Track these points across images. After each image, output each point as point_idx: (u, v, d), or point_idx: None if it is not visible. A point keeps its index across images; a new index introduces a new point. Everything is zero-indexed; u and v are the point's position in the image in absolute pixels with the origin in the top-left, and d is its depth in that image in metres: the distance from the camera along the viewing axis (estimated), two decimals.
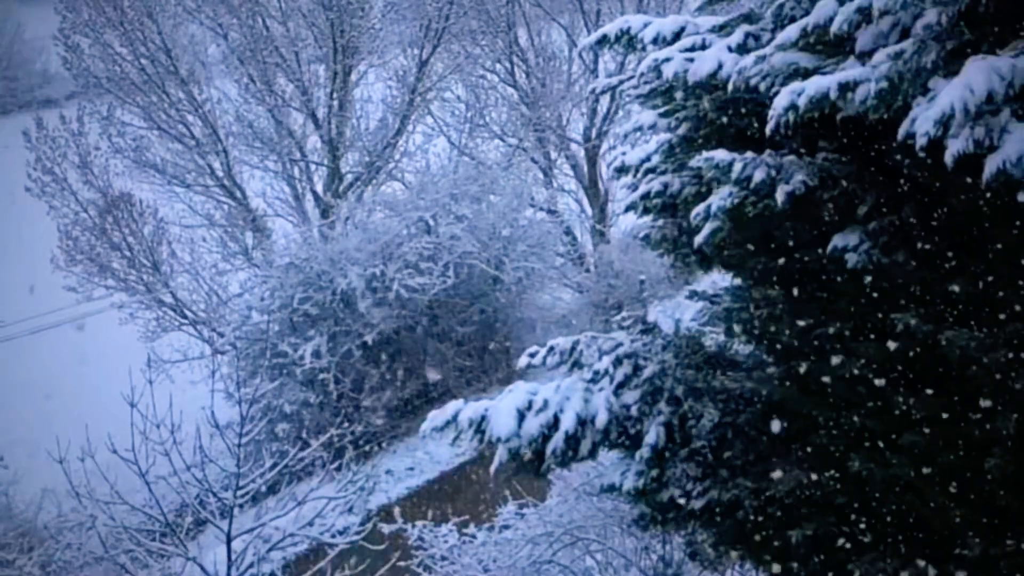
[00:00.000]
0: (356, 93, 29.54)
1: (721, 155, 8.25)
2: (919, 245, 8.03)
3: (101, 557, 13.29)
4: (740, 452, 9.63)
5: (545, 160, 31.73)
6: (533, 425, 9.84)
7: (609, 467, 10.60)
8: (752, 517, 9.53)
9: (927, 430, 8.34)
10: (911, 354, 8.22)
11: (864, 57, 7.54)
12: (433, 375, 25.85)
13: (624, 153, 10.36)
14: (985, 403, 7.98)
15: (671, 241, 10.14)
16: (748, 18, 9.33)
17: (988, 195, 7.05)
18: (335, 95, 28.63)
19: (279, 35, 28.10)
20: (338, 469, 14.57)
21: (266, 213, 29.38)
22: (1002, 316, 7.76)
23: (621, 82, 10.84)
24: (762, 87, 8.09)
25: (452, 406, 10.14)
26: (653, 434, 9.70)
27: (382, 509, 18.98)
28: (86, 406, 20.02)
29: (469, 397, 10.83)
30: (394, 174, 30.19)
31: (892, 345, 8.24)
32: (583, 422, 9.84)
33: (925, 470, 8.45)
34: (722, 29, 9.34)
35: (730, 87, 8.36)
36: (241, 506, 13.11)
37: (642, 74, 9.36)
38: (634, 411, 9.85)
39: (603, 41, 9.96)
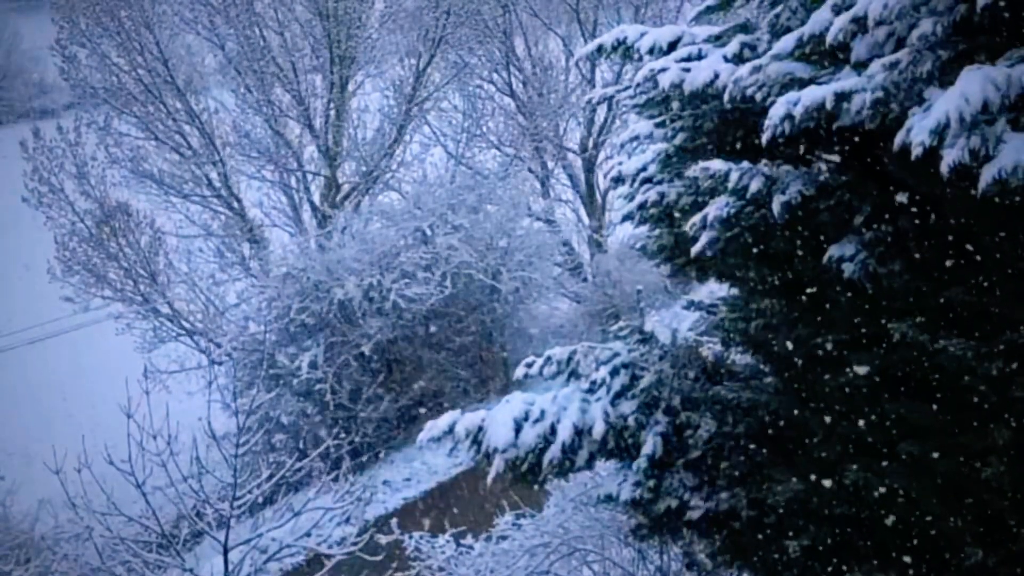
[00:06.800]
0: (353, 103, 29.56)
1: (717, 165, 8.26)
2: (915, 255, 8.03)
3: (98, 568, 13.24)
4: (737, 462, 9.63)
5: (542, 170, 31.75)
6: (530, 435, 9.84)
7: (606, 477, 10.59)
8: (749, 527, 9.52)
9: (924, 439, 8.34)
10: (908, 363, 8.22)
11: (860, 67, 7.55)
12: (430, 385, 25.81)
13: (621, 163, 10.38)
14: (981, 412, 7.99)
15: (668, 251, 10.16)
16: (744, 28, 9.35)
17: (984, 205, 7.04)
18: (332, 105, 28.64)
19: (276, 45, 28.11)
20: (335, 479, 14.55)
21: (263, 223, 29.34)
22: (998, 325, 7.76)
23: (618, 92, 10.87)
24: (758, 97, 8.10)
25: (449, 416, 10.14)
26: (650, 444, 9.70)
27: (379, 519, 18.92)
28: (83, 417, 19.99)
29: (466, 407, 10.84)
30: (391, 184, 30.19)
31: (888, 354, 8.24)
32: (580, 432, 9.85)
33: (922, 479, 8.45)
34: (718, 39, 9.36)
35: (726, 97, 8.36)
36: (238, 517, 13.09)
37: (638, 84, 9.38)
38: (631, 421, 9.85)
39: (600, 51, 9.99)
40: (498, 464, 9.83)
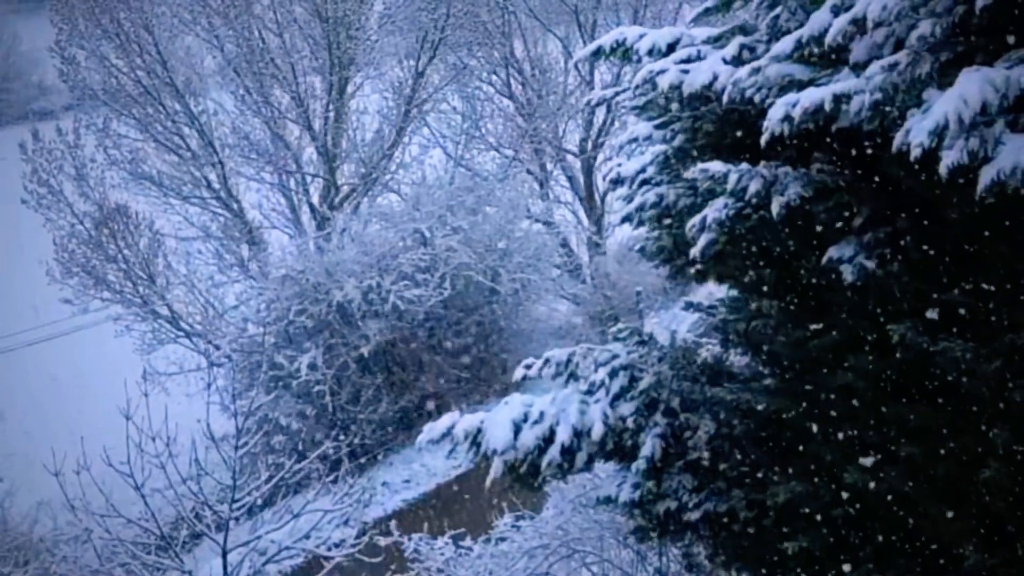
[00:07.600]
0: (352, 104, 29.51)
1: (716, 166, 8.26)
2: (914, 256, 8.03)
3: (97, 570, 13.26)
4: (736, 464, 9.63)
5: (541, 172, 31.74)
6: (529, 437, 9.83)
7: (605, 479, 10.59)
8: (748, 529, 9.52)
9: (922, 441, 8.33)
10: (906, 365, 8.22)
11: (858, 68, 7.55)
12: (429, 387, 25.81)
13: (620, 164, 10.37)
14: (980, 414, 7.98)
15: (667, 252, 10.14)
16: (743, 30, 9.35)
17: (983, 206, 7.04)
18: (331, 106, 28.61)
19: (275, 47, 28.07)
20: (334, 482, 14.57)
21: (262, 225, 29.31)
22: (997, 327, 7.76)
23: (617, 94, 10.86)
24: (757, 98, 8.10)
25: (448, 418, 10.13)
26: (649, 446, 9.70)
27: (378, 522, 18.89)
28: (82, 418, 19.97)
29: (465, 409, 10.83)
30: (390, 185, 30.17)
31: (887, 356, 8.24)
32: (579, 434, 9.84)
33: (920, 481, 8.45)
34: (717, 41, 9.36)
35: (725, 99, 8.37)
36: (237, 519, 13.10)
37: (637, 86, 9.38)
38: (630, 423, 9.85)
39: (599, 53, 9.98)
40: (497, 466, 9.81)
